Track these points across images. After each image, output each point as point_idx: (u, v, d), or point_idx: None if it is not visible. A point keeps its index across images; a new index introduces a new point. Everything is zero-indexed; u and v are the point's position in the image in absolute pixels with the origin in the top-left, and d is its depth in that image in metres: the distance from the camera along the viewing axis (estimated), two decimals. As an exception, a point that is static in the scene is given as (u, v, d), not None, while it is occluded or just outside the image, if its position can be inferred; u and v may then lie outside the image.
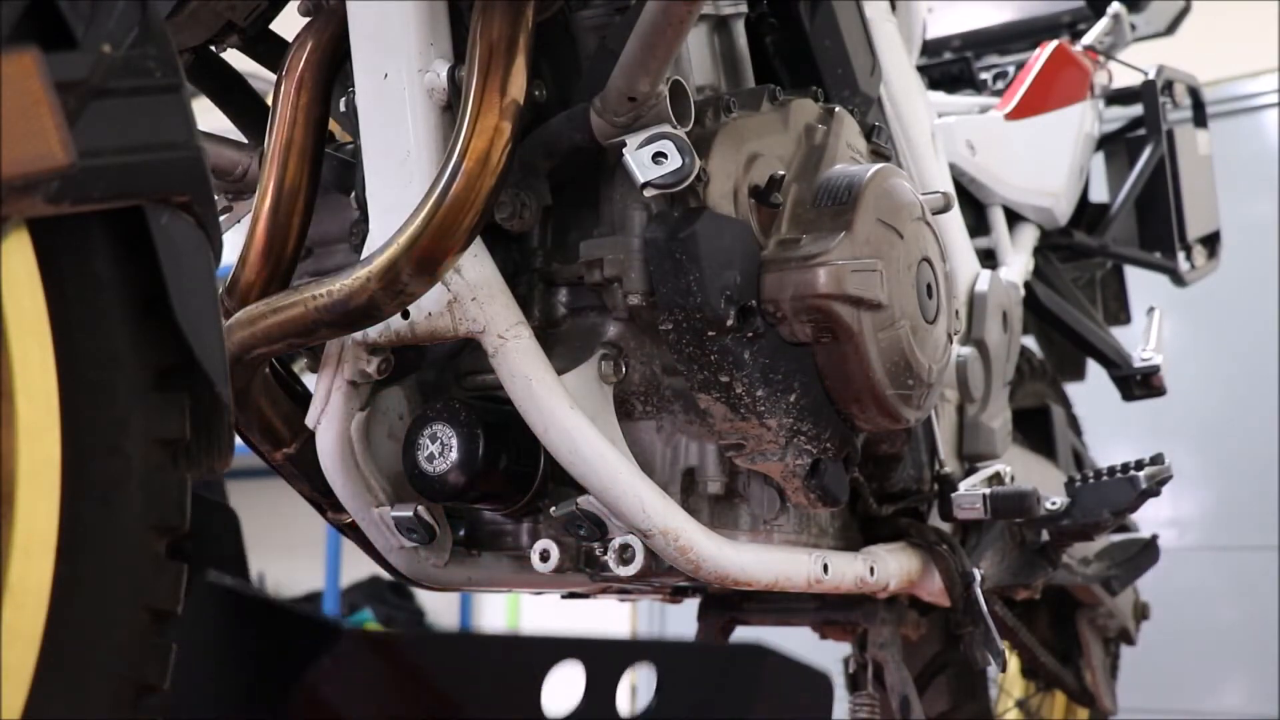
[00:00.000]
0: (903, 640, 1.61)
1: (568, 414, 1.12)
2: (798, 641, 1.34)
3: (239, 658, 1.04)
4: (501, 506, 1.22)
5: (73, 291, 0.71)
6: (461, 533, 1.28)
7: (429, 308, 1.14)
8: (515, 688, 1.06)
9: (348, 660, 1.00)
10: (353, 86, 1.19)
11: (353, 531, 1.31)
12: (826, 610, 1.60)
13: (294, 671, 0.99)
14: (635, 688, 1.62)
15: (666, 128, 1.09)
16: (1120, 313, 2.35)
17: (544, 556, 1.20)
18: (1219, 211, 2.36)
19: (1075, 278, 2.16)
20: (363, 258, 1.11)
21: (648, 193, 1.09)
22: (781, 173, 1.18)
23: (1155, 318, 2.07)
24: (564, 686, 1.10)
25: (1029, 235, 1.96)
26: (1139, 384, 2.05)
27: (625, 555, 1.16)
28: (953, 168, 1.74)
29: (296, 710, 0.97)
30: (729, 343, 1.13)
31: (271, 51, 1.35)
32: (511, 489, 1.19)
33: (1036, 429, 2.09)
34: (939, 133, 1.66)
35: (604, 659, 1.09)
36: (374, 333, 1.17)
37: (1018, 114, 2.01)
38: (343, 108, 1.23)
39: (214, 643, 1.01)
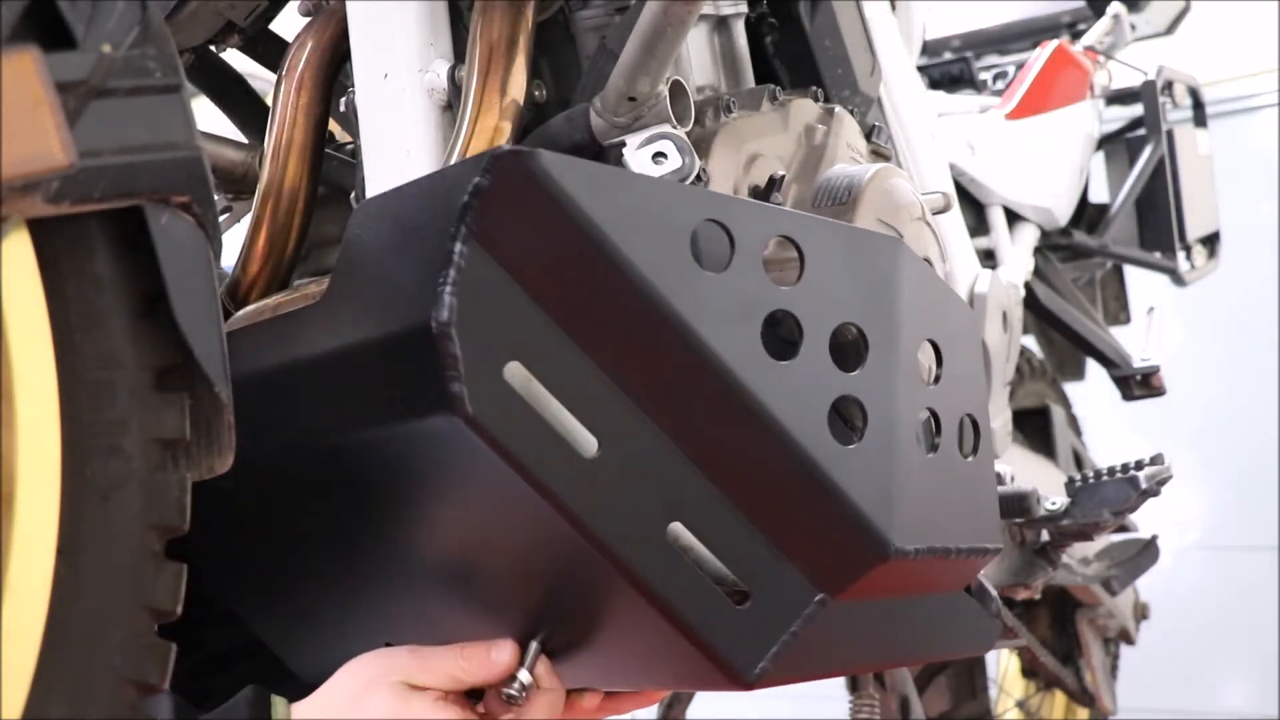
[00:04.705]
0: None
1: None
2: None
3: None
4: None
5: (73, 291, 0.71)
6: None
7: (429, 308, 1.13)
8: None
9: None
10: (353, 86, 1.19)
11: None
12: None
13: None
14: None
15: (666, 128, 1.09)
16: (1120, 313, 2.35)
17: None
18: (1219, 211, 2.36)
19: (1075, 278, 2.16)
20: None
21: (648, 193, 1.09)
22: (781, 173, 1.18)
23: (1155, 318, 2.07)
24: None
25: (1029, 235, 1.96)
26: (1139, 384, 2.05)
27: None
28: (953, 168, 1.74)
29: None
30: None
31: (271, 51, 1.35)
32: None
33: (1036, 429, 2.09)
34: (939, 133, 1.66)
35: None
36: (374, 333, 1.17)
37: (1018, 114, 2.01)
38: (343, 108, 1.23)
39: None
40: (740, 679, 0.93)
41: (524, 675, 1.00)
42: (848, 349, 1.00)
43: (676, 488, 0.91)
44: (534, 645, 1.00)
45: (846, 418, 0.98)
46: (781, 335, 0.95)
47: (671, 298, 0.88)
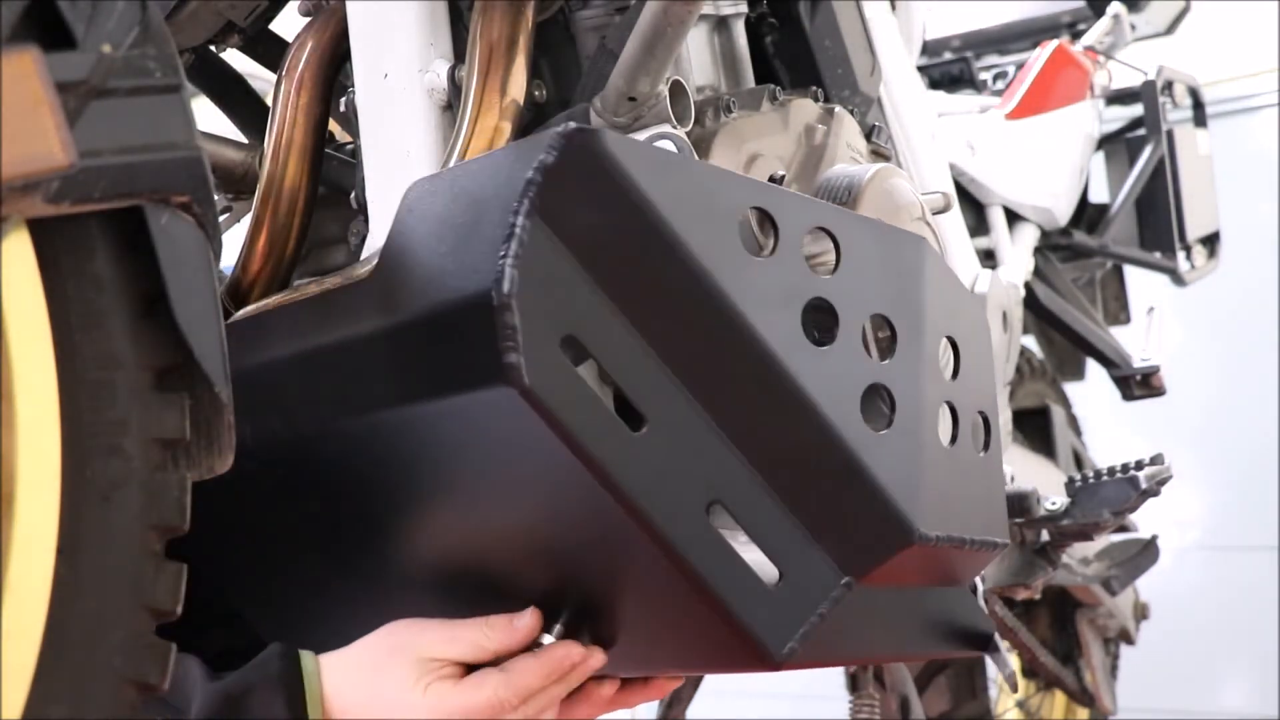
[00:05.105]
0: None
1: None
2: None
3: None
4: None
5: (73, 291, 0.71)
6: None
7: (429, 308, 1.13)
8: None
9: None
10: (353, 86, 1.19)
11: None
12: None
13: None
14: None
15: (666, 128, 1.09)
16: (1120, 313, 2.35)
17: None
18: (1219, 211, 2.36)
19: (1075, 278, 2.16)
20: (363, 258, 1.11)
21: (648, 193, 1.09)
22: (781, 173, 1.18)
23: (1155, 318, 2.07)
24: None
25: (1029, 235, 1.96)
26: (1139, 384, 2.05)
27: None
28: (953, 168, 1.74)
29: None
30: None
31: (271, 51, 1.35)
32: None
33: (1036, 429, 2.09)
34: (939, 133, 1.66)
35: None
36: (374, 333, 1.17)
37: (1018, 114, 2.01)
38: (343, 108, 1.23)
39: None
40: (770, 658, 0.94)
41: (548, 640, 1.02)
42: (876, 339, 1.02)
43: (716, 467, 0.93)
44: (558, 628, 1.02)
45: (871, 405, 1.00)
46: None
47: (720, 280, 0.90)
